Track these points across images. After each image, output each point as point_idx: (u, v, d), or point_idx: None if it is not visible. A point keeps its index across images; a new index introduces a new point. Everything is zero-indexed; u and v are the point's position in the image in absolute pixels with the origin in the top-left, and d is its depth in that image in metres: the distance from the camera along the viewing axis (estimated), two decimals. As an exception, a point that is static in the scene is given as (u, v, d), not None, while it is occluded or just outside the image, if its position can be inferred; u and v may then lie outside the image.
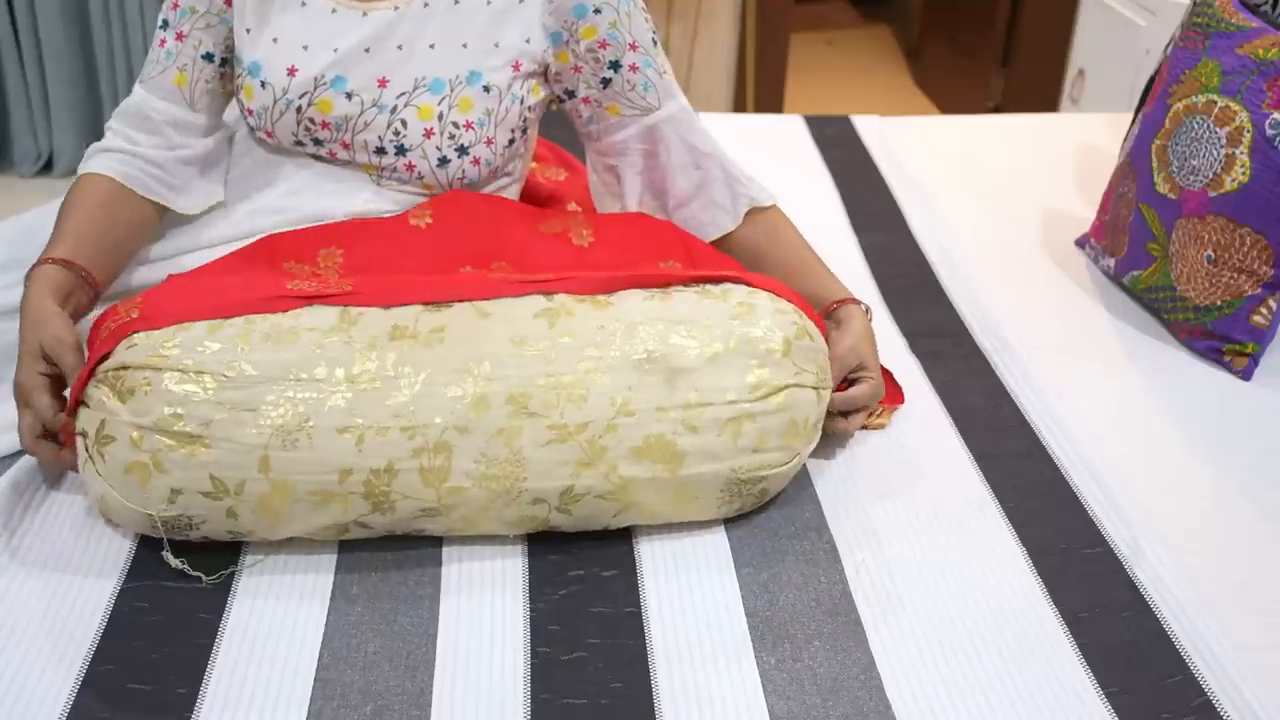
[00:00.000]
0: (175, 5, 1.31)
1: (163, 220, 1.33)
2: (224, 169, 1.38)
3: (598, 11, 1.25)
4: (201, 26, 1.31)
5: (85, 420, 1.06)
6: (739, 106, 3.50)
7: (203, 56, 1.31)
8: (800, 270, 1.32)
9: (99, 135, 3.10)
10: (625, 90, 1.29)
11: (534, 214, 1.35)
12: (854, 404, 1.23)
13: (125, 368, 1.04)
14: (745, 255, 1.35)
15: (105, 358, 1.06)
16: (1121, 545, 1.15)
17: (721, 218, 1.35)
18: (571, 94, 1.32)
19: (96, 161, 1.28)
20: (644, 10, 1.30)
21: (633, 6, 1.28)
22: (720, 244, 1.36)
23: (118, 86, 3.06)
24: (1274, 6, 1.57)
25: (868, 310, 1.29)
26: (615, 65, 1.27)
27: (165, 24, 1.32)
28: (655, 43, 1.30)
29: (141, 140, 1.30)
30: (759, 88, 3.42)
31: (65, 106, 3.06)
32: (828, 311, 1.29)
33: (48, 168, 3.16)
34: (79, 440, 1.07)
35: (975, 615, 1.07)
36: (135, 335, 1.06)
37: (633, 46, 1.28)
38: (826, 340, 1.21)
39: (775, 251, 1.34)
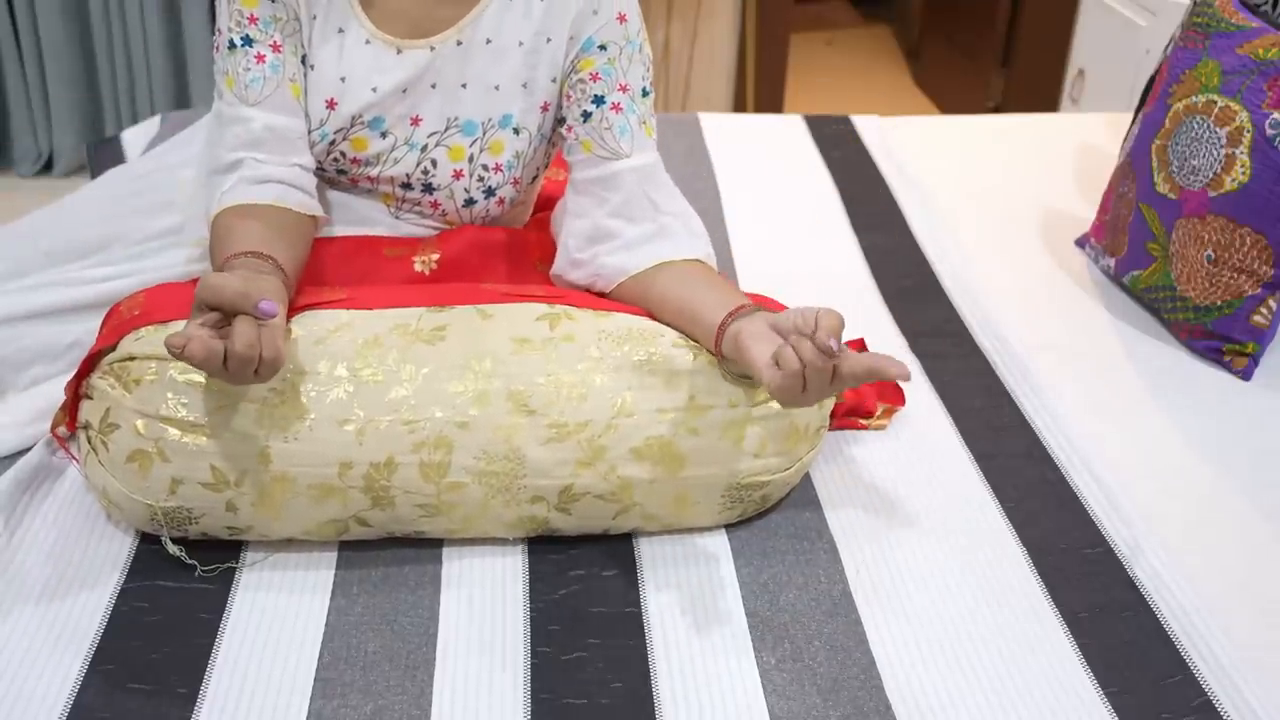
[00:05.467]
0: (253, 19, 1.20)
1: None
2: None
3: (602, 48, 1.23)
4: (290, 33, 1.22)
5: (88, 411, 1.06)
6: (739, 106, 3.50)
7: (301, 61, 1.24)
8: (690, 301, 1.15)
9: (99, 135, 3.13)
10: (600, 128, 1.23)
11: (542, 250, 1.34)
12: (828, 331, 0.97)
13: (132, 358, 1.05)
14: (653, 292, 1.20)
15: (108, 351, 1.08)
16: (1121, 545, 1.15)
17: (665, 252, 1.21)
18: (562, 121, 1.28)
19: (246, 192, 1.16)
20: (647, 61, 1.26)
21: (635, 52, 1.24)
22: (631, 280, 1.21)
23: (117, 86, 3.06)
24: (1274, 6, 1.57)
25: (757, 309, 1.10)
26: (599, 100, 1.23)
27: (249, 40, 1.19)
28: (646, 93, 1.25)
29: (295, 160, 1.21)
30: (759, 88, 3.42)
31: (65, 106, 3.06)
32: (720, 336, 1.08)
33: (48, 168, 3.16)
34: (81, 434, 1.07)
35: (975, 615, 1.07)
36: (142, 329, 1.07)
37: (622, 88, 1.23)
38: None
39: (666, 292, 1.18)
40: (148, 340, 1.06)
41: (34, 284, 1.28)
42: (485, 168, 1.25)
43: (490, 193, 1.26)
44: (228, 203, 1.16)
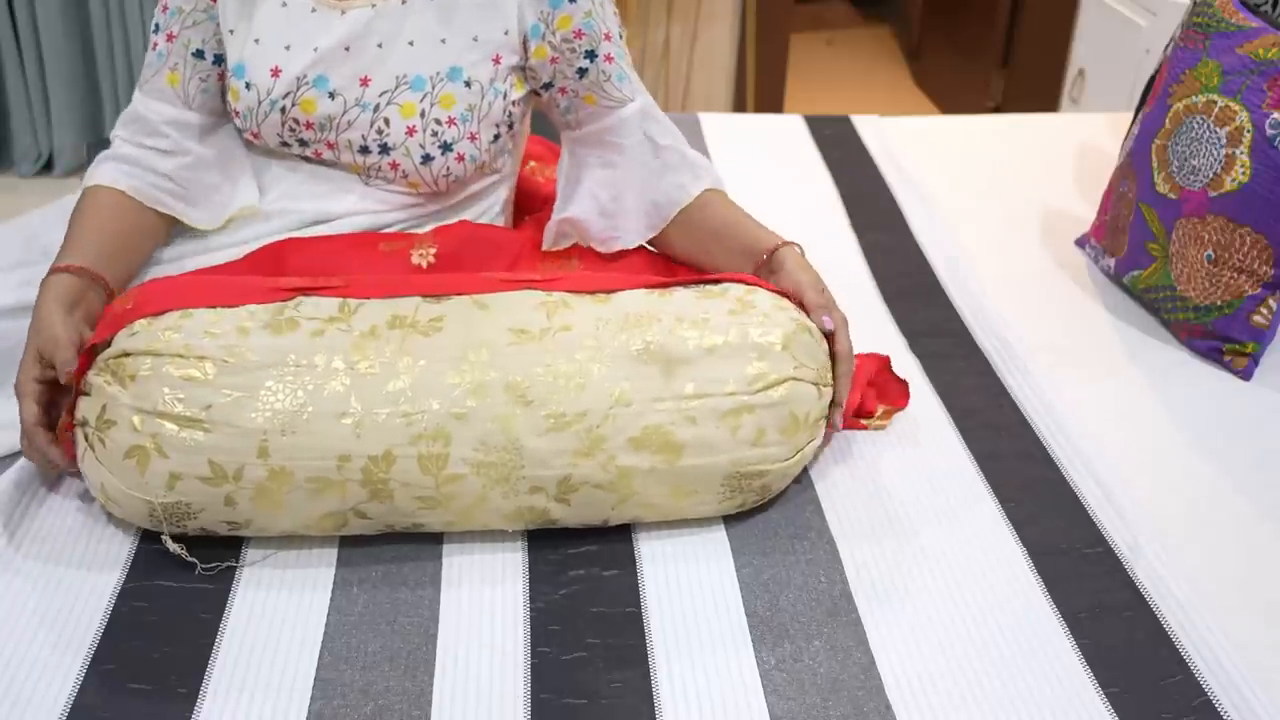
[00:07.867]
0: (164, 8, 1.31)
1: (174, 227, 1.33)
2: (243, 177, 1.36)
3: (573, 1, 1.26)
4: (189, 25, 1.31)
5: (85, 408, 1.06)
6: (739, 106, 3.50)
7: (193, 54, 1.31)
8: (733, 225, 1.32)
9: (99, 135, 3.12)
10: (601, 81, 1.30)
11: (537, 249, 1.35)
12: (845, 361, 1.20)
13: (127, 354, 1.05)
14: (683, 231, 1.35)
15: (104, 346, 1.07)
16: (1121, 545, 1.15)
17: (679, 195, 1.34)
18: (549, 86, 1.33)
19: (103, 171, 1.28)
20: (613, 1, 1.32)
21: None
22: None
23: (118, 86, 3.06)
24: (1274, 6, 1.57)
25: (801, 251, 1.28)
26: (591, 55, 1.29)
27: (157, 27, 1.32)
28: (621, 36, 1.33)
29: (145, 142, 1.30)
30: (759, 88, 3.42)
31: (65, 106, 3.06)
32: (761, 264, 1.28)
33: (48, 168, 3.16)
34: (78, 431, 1.07)
35: (975, 616, 1.07)
36: (136, 323, 1.07)
37: (607, 37, 1.29)
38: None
39: (708, 220, 1.34)
40: (142, 335, 1.06)
41: (33, 279, 1.28)
42: (438, 122, 1.27)
43: (447, 148, 1.28)
44: (92, 180, 1.27)
